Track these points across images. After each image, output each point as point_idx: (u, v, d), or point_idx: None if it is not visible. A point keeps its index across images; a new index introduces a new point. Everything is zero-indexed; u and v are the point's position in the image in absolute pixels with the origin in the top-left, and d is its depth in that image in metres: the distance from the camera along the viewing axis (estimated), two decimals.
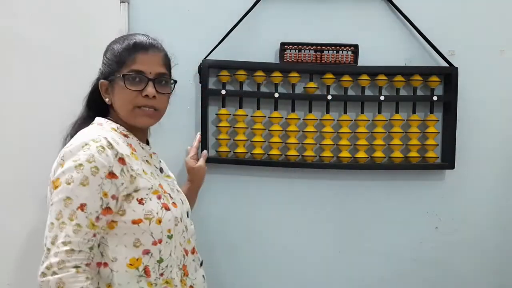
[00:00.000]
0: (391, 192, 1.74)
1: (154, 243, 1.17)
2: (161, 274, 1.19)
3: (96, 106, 1.30)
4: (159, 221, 1.18)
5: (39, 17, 1.65)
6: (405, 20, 1.67)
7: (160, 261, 1.19)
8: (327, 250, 1.74)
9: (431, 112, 1.69)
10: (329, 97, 1.66)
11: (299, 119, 1.68)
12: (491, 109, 1.72)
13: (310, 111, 1.68)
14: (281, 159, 1.68)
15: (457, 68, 1.66)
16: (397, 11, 1.67)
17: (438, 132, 1.70)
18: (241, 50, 1.67)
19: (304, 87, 1.68)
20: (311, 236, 1.74)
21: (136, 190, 1.17)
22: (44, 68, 1.66)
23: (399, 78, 1.66)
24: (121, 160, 1.15)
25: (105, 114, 1.29)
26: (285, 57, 1.65)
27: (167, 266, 1.20)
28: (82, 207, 1.09)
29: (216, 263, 1.68)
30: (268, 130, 1.67)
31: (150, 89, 1.22)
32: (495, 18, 1.71)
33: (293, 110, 1.68)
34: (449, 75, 1.67)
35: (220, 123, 1.67)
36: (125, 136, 1.25)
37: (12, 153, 1.69)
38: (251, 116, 1.68)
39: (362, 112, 1.68)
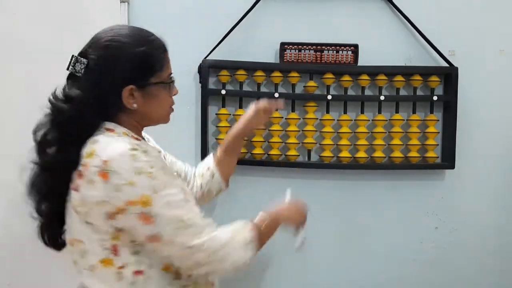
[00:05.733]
0: (391, 192, 1.74)
1: None
2: (189, 276, 1.16)
3: (107, 112, 1.16)
4: None
5: (39, 17, 1.65)
6: (405, 20, 1.67)
7: None
8: (327, 250, 1.74)
9: (431, 112, 1.69)
10: (329, 97, 1.66)
11: (299, 119, 1.68)
12: (491, 109, 1.72)
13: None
14: (281, 159, 1.68)
15: (457, 68, 1.66)
16: (397, 11, 1.67)
17: (438, 132, 1.70)
18: (241, 50, 1.67)
19: (304, 86, 1.68)
20: (310, 236, 1.73)
21: None
22: (44, 69, 1.66)
23: (399, 78, 1.66)
24: None
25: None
26: (285, 57, 1.65)
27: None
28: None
29: None
30: (268, 130, 1.67)
31: (176, 89, 1.22)
32: (495, 18, 1.71)
33: (293, 110, 1.68)
34: (449, 75, 1.67)
35: (220, 123, 1.67)
36: (137, 139, 1.16)
37: (12, 153, 1.68)
38: None
39: (362, 112, 1.68)
